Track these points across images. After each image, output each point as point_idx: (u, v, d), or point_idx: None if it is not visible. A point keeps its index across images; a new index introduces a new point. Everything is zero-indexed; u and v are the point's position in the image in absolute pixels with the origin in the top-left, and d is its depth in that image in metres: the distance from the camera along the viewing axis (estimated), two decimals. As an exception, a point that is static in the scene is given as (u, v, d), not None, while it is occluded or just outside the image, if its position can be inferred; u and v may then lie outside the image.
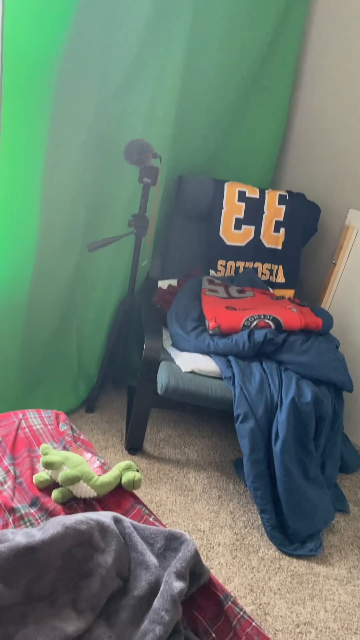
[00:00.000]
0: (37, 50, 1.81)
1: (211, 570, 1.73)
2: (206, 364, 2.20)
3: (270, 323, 2.23)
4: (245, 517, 2.17)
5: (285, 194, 2.64)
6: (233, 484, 2.32)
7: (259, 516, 2.18)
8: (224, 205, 2.58)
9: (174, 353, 2.29)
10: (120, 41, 2.06)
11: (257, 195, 2.60)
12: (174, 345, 2.33)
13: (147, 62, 2.17)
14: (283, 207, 2.62)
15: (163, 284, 2.64)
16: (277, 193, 2.63)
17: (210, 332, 2.26)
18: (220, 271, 2.67)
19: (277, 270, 2.71)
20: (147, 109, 2.25)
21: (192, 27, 2.26)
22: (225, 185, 2.58)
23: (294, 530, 2.08)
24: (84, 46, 1.93)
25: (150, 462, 2.34)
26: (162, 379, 2.13)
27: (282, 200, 2.62)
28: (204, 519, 2.12)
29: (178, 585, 1.14)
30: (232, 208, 2.59)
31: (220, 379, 2.18)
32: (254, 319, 2.23)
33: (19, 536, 1.16)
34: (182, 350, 2.29)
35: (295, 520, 2.06)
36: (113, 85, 2.13)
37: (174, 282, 2.64)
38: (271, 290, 2.68)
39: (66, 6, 1.80)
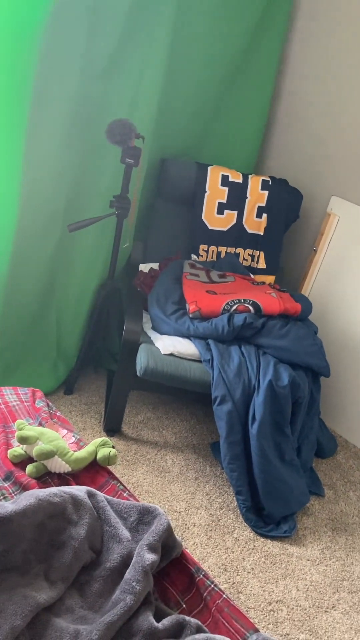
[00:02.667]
0: (19, 24, 1.78)
1: (186, 550, 1.75)
2: (186, 347, 2.21)
3: (250, 307, 2.24)
4: (221, 498, 2.19)
5: (268, 179, 2.64)
6: (210, 466, 2.34)
7: (234, 498, 2.20)
8: (207, 189, 2.58)
9: (154, 336, 2.30)
10: (105, 21, 2.04)
11: (240, 180, 2.60)
12: (154, 328, 2.33)
13: (132, 43, 2.15)
14: (266, 192, 2.63)
15: (144, 267, 2.64)
16: (260, 178, 2.63)
17: (191, 315, 2.26)
18: (202, 256, 2.68)
19: (258, 256, 2.71)
20: (131, 90, 2.23)
21: (178, 10, 2.24)
22: (209, 169, 2.58)
23: (269, 512, 2.10)
24: (68, 23, 1.91)
25: (128, 444, 2.35)
26: (142, 360, 2.13)
27: (265, 185, 2.63)
28: (180, 500, 2.14)
29: (150, 557, 1.15)
30: (215, 192, 2.59)
31: (199, 361, 2.19)
32: (234, 303, 2.24)
33: (-9, 508, 1.16)
34: (162, 333, 2.29)
35: (270, 502, 2.09)
36: (97, 65, 2.10)
37: (155, 265, 2.64)
38: (252, 276, 2.69)
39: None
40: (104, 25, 2.04)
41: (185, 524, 2.04)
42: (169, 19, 2.20)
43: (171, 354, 2.19)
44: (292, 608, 1.83)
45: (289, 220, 2.73)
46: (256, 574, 1.92)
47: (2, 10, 1.73)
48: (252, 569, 1.94)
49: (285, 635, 1.73)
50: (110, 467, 1.55)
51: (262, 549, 2.02)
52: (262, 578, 1.91)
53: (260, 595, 1.85)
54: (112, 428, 2.38)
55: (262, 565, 1.96)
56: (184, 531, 2.01)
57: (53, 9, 1.82)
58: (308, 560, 2.02)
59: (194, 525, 2.05)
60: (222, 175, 2.59)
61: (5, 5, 1.72)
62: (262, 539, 2.06)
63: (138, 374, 2.13)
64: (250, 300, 2.25)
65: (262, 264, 2.72)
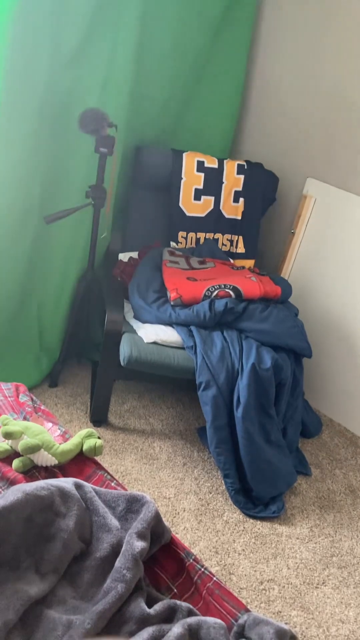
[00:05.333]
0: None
1: (177, 535, 1.76)
2: (168, 335, 2.22)
3: (231, 292, 2.24)
4: (210, 482, 2.21)
5: (244, 163, 2.64)
6: (197, 451, 2.36)
7: (222, 481, 2.22)
8: (183, 175, 2.57)
9: (136, 325, 2.30)
10: (73, 8, 2.01)
11: (215, 165, 2.60)
12: (136, 317, 2.33)
13: (100, 30, 2.12)
14: (242, 176, 2.63)
15: (124, 256, 2.63)
16: (236, 163, 2.62)
17: (172, 303, 2.26)
18: (181, 243, 2.67)
19: (237, 241, 2.72)
20: (102, 78, 2.20)
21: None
22: (184, 155, 2.57)
23: (257, 494, 2.13)
24: (35, 11, 1.87)
25: (115, 433, 2.36)
26: (125, 350, 2.13)
27: (240, 169, 2.62)
28: (169, 486, 2.15)
29: (139, 544, 1.16)
30: (191, 178, 2.58)
31: (183, 348, 2.20)
32: (215, 289, 2.25)
33: (-21, 505, 1.16)
34: (144, 321, 2.29)
35: (257, 483, 2.11)
36: (66, 53, 2.07)
37: (134, 254, 2.63)
38: (232, 260, 2.70)
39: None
40: (71, 13, 2.01)
41: (175, 510, 2.06)
42: (138, 4, 2.17)
43: (154, 342, 2.20)
44: (283, 586, 1.86)
45: (266, 204, 2.74)
46: (247, 555, 1.95)
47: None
48: (243, 550, 1.97)
49: (277, 612, 1.77)
50: (97, 458, 1.55)
51: (252, 530, 2.05)
52: (253, 558, 1.94)
53: (251, 576, 1.88)
54: (99, 419, 2.39)
55: (252, 546, 1.99)
56: (174, 517, 2.03)
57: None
58: (297, 538, 2.05)
59: (184, 511, 2.07)
60: (198, 161, 2.58)
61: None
62: (251, 520, 2.09)
63: (122, 363, 2.14)
64: (230, 285, 2.26)
65: (241, 249, 2.73)
